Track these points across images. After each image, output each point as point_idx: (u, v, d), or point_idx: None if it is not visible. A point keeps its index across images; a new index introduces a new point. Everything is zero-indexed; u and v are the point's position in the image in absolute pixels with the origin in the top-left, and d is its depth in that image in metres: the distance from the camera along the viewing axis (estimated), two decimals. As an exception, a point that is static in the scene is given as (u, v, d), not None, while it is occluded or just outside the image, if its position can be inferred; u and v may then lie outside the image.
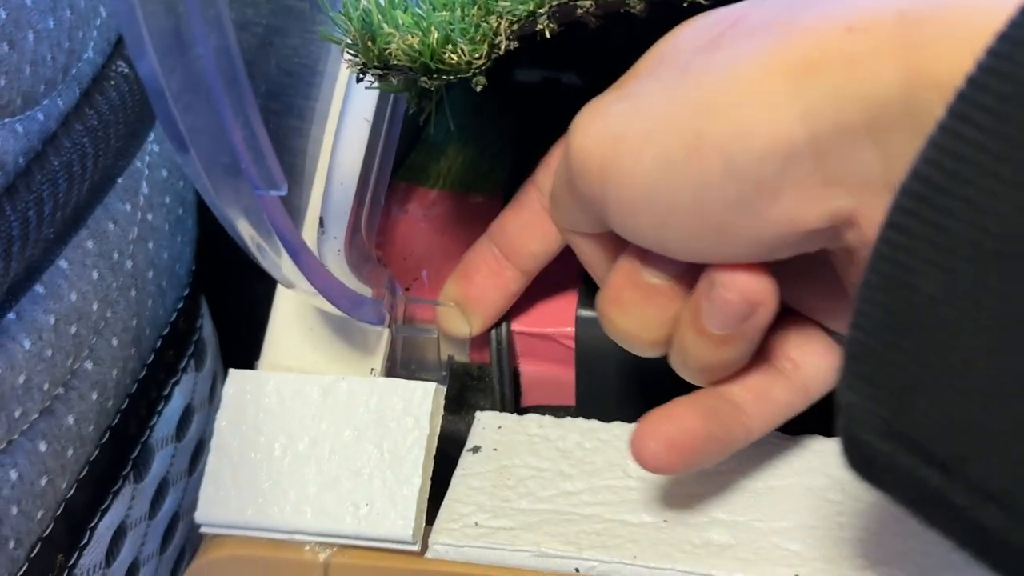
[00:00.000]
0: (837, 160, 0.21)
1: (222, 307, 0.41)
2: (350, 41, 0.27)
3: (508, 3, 0.26)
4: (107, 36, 0.30)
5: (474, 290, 0.33)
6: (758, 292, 0.25)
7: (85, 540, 0.29)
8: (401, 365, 0.34)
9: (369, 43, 0.26)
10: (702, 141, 0.22)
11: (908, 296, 0.18)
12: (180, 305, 0.36)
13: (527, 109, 0.44)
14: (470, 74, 0.26)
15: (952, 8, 0.19)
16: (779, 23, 0.22)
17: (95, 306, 0.29)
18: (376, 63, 0.26)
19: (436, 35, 0.26)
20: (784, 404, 0.28)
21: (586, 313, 0.34)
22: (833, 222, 0.22)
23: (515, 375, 0.35)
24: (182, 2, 0.22)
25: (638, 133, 0.24)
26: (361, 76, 0.27)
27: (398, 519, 0.29)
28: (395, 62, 0.26)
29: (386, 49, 0.26)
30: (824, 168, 0.21)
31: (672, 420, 0.27)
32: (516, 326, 0.34)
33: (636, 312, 0.27)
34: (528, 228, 0.32)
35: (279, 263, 0.28)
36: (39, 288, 0.26)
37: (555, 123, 0.43)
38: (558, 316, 0.34)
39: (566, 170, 0.27)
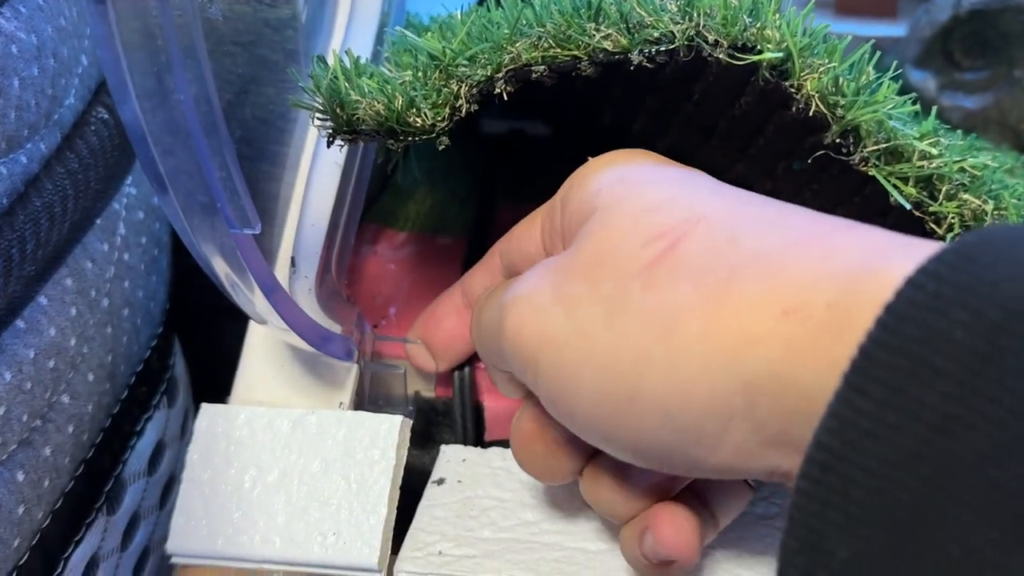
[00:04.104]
0: (775, 429, 0.21)
1: (193, 346, 0.42)
2: (320, 108, 0.28)
3: (467, 68, 0.28)
4: (88, 83, 0.31)
5: (441, 335, 0.34)
6: (689, 552, 0.26)
7: (59, 570, 0.30)
8: (369, 400, 0.35)
9: (338, 110, 0.28)
10: (641, 393, 0.22)
11: (825, 561, 0.18)
12: (153, 343, 0.37)
13: (493, 155, 0.45)
14: (434, 135, 0.28)
15: (872, 297, 0.19)
16: (716, 281, 0.22)
17: (72, 342, 0.30)
18: (345, 128, 0.28)
19: (400, 100, 0.27)
20: (703, 539, 0.29)
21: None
22: (772, 475, 0.22)
23: (478, 410, 0.36)
24: (164, 50, 0.24)
25: (577, 358, 0.24)
26: (331, 140, 0.29)
27: (364, 548, 0.30)
28: (363, 127, 0.28)
29: (354, 115, 0.27)
30: (761, 434, 0.21)
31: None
32: (480, 362, 0.36)
33: (543, 462, 0.28)
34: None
35: (252, 300, 0.29)
36: (20, 323, 0.27)
37: (520, 169, 0.45)
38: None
39: (497, 344, 0.26)
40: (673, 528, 0.26)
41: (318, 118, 0.29)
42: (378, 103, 0.28)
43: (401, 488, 0.32)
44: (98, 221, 0.32)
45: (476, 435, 0.37)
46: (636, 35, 0.27)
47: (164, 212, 0.32)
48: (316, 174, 0.35)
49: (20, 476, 0.27)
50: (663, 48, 0.27)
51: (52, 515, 0.29)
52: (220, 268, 0.28)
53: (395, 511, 0.31)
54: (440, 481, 0.33)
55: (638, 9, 0.27)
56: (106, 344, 0.32)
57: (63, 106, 0.30)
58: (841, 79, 0.26)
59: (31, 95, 0.27)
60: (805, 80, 0.26)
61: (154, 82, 0.24)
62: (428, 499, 0.32)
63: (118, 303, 0.33)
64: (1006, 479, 0.16)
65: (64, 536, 0.30)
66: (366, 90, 0.28)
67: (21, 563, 0.28)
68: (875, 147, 0.26)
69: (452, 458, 0.34)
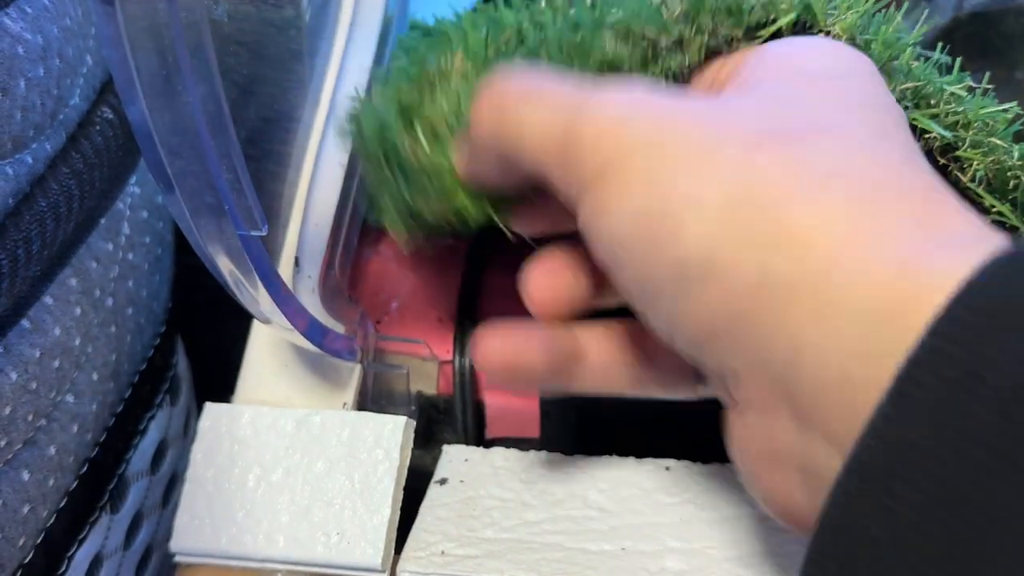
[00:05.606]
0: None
1: (197, 345, 0.42)
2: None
3: None
4: (93, 83, 0.31)
5: None
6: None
7: (63, 568, 0.30)
8: (372, 399, 0.35)
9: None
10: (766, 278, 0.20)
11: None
12: (156, 342, 0.37)
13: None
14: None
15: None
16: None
17: (77, 341, 0.30)
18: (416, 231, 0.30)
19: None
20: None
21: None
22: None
23: (479, 407, 0.37)
24: (172, 51, 0.24)
25: (683, 194, 0.21)
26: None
27: (368, 547, 0.30)
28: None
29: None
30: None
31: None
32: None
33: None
34: None
35: (256, 299, 0.29)
36: (25, 323, 0.27)
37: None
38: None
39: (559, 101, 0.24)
40: (540, 284, 0.27)
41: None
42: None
43: (404, 488, 0.32)
44: (102, 221, 0.32)
45: (477, 432, 0.37)
46: (653, 69, 0.27)
47: (169, 211, 0.32)
48: (320, 174, 0.35)
49: (25, 475, 0.27)
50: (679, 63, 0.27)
51: (56, 514, 0.29)
52: (225, 267, 0.28)
53: (399, 511, 0.31)
54: (443, 481, 0.33)
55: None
56: (110, 343, 0.32)
57: (68, 106, 0.30)
58: (870, 20, 0.26)
59: (37, 96, 0.28)
60: (833, 25, 0.26)
61: (162, 83, 0.24)
62: (430, 499, 0.33)
63: (122, 302, 0.33)
64: None
65: (68, 534, 0.30)
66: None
67: (26, 561, 0.28)
68: (906, 86, 0.26)
69: (454, 458, 0.34)
